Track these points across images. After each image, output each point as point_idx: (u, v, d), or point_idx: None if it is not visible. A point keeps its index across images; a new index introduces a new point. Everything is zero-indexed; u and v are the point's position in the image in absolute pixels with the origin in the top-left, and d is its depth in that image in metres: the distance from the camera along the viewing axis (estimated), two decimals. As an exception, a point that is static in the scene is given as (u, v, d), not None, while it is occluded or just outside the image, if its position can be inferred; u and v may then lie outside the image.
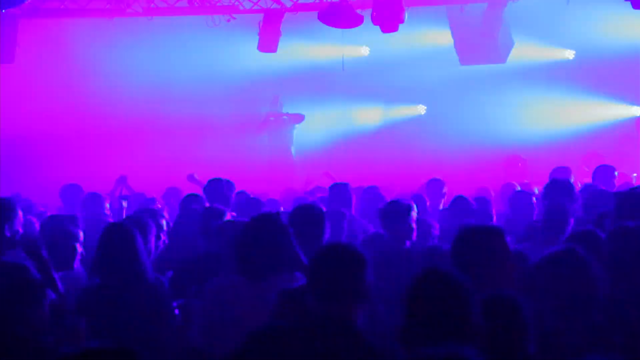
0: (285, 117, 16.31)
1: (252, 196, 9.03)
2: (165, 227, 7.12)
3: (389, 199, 9.63)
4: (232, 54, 16.69)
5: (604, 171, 9.08)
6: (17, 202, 6.19)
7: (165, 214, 8.53)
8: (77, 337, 4.88)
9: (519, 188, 9.69)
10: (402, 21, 11.92)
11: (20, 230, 5.86)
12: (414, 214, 6.52)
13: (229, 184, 8.61)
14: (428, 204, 8.52)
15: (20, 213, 5.95)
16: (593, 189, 7.96)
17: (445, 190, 9.18)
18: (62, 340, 4.63)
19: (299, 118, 16.50)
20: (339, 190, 8.26)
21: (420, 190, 9.68)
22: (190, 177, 10.48)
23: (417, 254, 5.88)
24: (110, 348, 2.91)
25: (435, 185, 9.19)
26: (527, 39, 15.44)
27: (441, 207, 8.81)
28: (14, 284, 4.63)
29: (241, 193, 9.14)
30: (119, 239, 5.27)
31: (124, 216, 8.45)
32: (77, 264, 6.19)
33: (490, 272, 4.18)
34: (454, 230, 6.89)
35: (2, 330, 4.41)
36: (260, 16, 13.55)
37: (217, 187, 8.43)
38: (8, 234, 5.83)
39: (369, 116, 17.97)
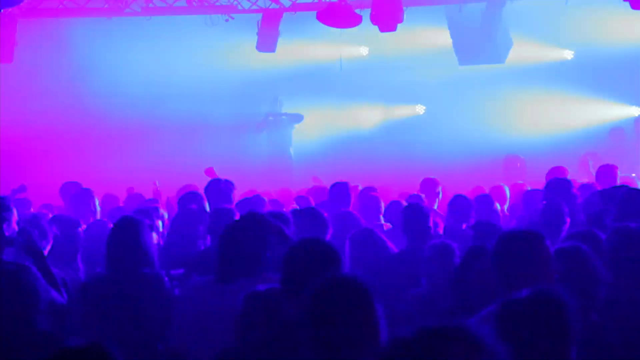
0: (284, 117, 16.31)
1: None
2: (161, 228, 7.12)
3: (386, 199, 9.66)
4: (231, 54, 16.69)
5: (607, 171, 9.05)
6: (12, 201, 6.20)
7: (164, 214, 8.54)
8: (78, 333, 4.89)
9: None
10: (400, 21, 11.92)
11: (16, 228, 5.87)
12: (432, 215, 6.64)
13: (228, 184, 8.62)
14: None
15: (15, 211, 5.96)
16: (591, 189, 7.96)
17: (439, 189, 9.18)
18: (64, 337, 4.63)
19: (298, 118, 16.50)
20: (339, 190, 8.27)
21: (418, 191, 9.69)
22: (209, 171, 10.51)
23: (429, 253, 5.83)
24: (83, 347, 2.92)
25: (429, 184, 9.19)
26: (525, 39, 15.45)
27: (435, 206, 8.84)
28: (15, 284, 4.67)
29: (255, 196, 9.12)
30: (126, 233, 5.29)
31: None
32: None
33: (533, 277, 4.08)
34: (457, 230, 6.94)
35: (4, 329, 4.43)
36: (259, 16, 13.55)
37: (218, 188, 8.44)
38: (7, 233, 5.83)
39: (367, 116, 17.97)
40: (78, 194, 8.56)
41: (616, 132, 15.32)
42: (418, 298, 5.57)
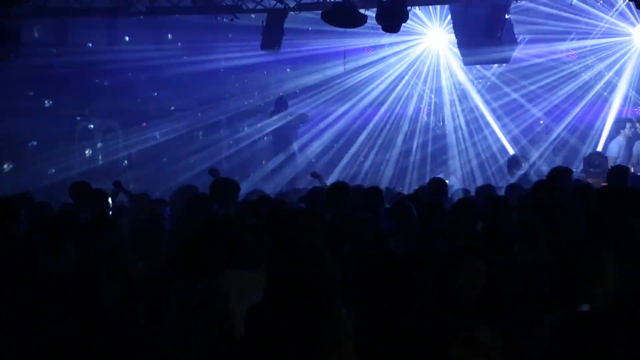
0: (289, 116, 16.30)
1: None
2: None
3: (386, 199, 9.64)
4: (235, 54, 16.72)
5: (618, 172, 9.01)
6: (21, 201, 6.22)
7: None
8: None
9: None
10: (404, 21, 11.93)
11: (22, 228, 5.90)
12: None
13: (232, 184, 8.62)
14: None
15: (23, 212, 5.98)
16: (590, 190, 7.90)
17: (446, 189, 9.14)
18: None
19: (304, 118, 16.49)
20: (337, 190, 8.21)
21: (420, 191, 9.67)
22: (213, 171, 10.58)
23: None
24: (74, 337, 2.94)
25: (437, 184, 9.14)
26: (530, 38, 15.45)
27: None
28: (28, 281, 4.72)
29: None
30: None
31: None
32: None
33: (601, 283, 4.09)
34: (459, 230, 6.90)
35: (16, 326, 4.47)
36: (264, 15, 13.55)
37: (223, 187, 8.45)
38: (15, 232, 5.86)
39: (370, 115, 17.99)
40: (94, 196, 8.61)
41: (621, 123, 15.23)
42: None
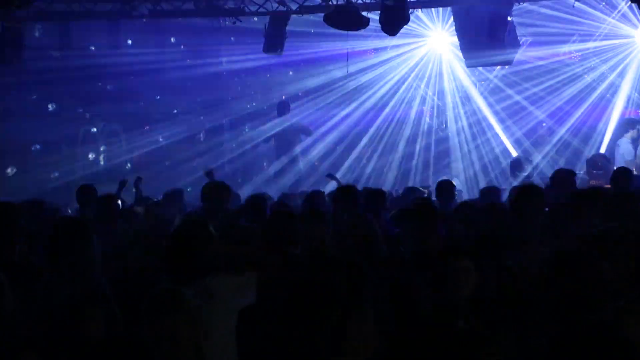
0: (292, 124, 16.26)
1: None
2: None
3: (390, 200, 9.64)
4: (238, 57, 16.75)
5: (622, 173, 8.99)
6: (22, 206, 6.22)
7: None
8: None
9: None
10: (405, 23, 11.95)
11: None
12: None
13: (225, 187, 8.62)
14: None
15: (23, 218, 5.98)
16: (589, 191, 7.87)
17: (455, 191, 9.13)
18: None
19: (307, 131, 16.41)
20: (345, 193, 8.22)
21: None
22: (208, 173, 10.64)
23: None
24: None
25: (445, 186, 9.12)
26: (533, 40, 15.45)
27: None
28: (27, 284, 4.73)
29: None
30: (71, 233, 5.25)
31: None
32: None
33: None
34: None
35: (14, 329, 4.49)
36: (266, 18, 13.56)
37: (213, 190, 8.45)
38: (16, 237, 5.86)
39: (373, 117, 18.00)
40: (100, 199, 8.62)
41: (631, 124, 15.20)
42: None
